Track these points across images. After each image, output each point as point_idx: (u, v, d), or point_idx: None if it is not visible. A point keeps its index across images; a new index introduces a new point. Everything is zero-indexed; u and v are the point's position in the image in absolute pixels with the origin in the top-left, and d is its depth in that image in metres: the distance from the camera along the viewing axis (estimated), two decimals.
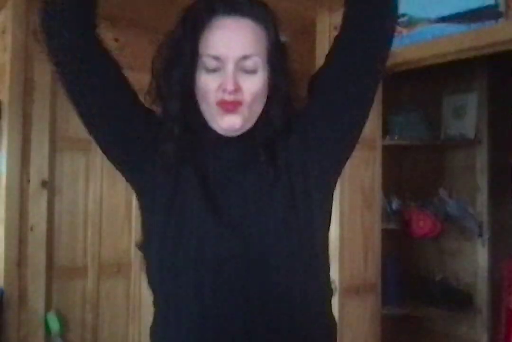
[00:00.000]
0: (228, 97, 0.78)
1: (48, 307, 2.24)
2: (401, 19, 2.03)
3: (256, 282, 0.79)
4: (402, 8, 2.01)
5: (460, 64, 2.13)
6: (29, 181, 2.17)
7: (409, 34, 2.00)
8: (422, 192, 2.86)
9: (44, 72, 2.24)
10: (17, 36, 2.14)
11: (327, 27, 2.34)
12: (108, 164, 2.79)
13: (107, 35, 2.82)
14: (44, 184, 2.22)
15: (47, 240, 2.23)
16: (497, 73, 2.63)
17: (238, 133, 0.83)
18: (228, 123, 0.80)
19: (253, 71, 0.81)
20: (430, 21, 1.94)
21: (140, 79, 3.03)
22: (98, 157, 2.48)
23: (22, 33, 2.15)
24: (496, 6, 1.73)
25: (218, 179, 0.84)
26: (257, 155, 0.83)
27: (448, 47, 1.90)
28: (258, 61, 0.81)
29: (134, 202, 2.62)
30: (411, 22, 1.99)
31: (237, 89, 0.78)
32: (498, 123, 2.65)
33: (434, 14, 1.92)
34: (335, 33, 2.54)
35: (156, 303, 0.87)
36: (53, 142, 2.30)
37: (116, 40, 2.50)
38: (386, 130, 2.60)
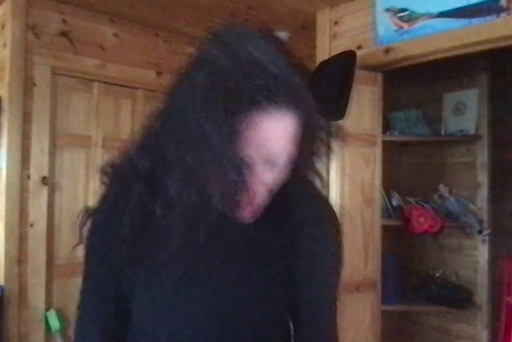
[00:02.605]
0: (260, 196, 0.72)
1: (48, 304, 2.24)
2: (402, 14, 2.02)
3: None
4: (403, 3, 2.02)
5: (461, 60, 2.12)
6: (29, 177, 2.17)
7: (410, 29, 1.99)
8: (422, 188, 2.86)
9: (44, 68, 2.24)
10: (17, 31, 2.13)
11: (327, 22, 2.34)
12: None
13: (107, 31, 2.84)
14: (44, 180, 2.22)
15: (47, 237, 2.23)
16: (498, 69, 2.62)
17: None
18: (246, 218, 0.74)
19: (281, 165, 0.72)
20: (431, 16, 1.93)
21: (139, 74, 3.03)
22: (98, 154, 2.48)
23: (21, 29, 2.15)
24: (497, 0, 1.73)
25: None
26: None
27: (449, 42, 1.89)
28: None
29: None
30: (412, 17, 1.98)
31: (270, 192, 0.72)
32: (498, 119, 2.64)
33: (435, 9, 1.91)
34: (335, 28, 2.53)
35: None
36: (53, 139, 2.29)
37: (116, 35, 2.50)
38: (386, 127, 2.60)
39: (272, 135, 0.67)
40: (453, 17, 1.86)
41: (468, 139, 2.68)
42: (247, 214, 0.73)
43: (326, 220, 0.86)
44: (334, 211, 0.87)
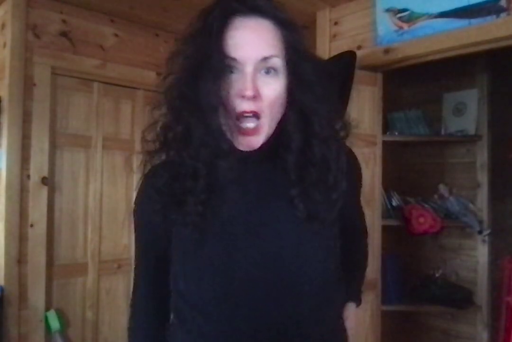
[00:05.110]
0: (248, 107, 0.75)
1: (48, 304, 2.24)
2: (402, 14, 2.02)
3: (288, 308, 0.80)
4: (403, 3, 2.02)
5: (461, 60, 2.12)
6: (29, 178, 2.17)
7: (410, 30, 1.99)
8: (422, 188, 2.86)
9: (44, 68, 2.24)
10: (17, 31, 2.13)
11: (327, 22, 2.34)
12: (108, 161, 2.79)
13: (107, 31, 2.84)
14: (44, 180, 2.22)
15: (47, 237, 2.23)
16: (498, 69, 2.62)
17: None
18: (248, 144, 0.79)
19: (274, 72, 0.77)
20: (430, 16, 1.93)
21: (139, 74, 3.03)
22: (98, 154, 2.48)
23: (21, 29, 2.14)
24: (497, 1, 1.73)
25: (250, 201, 0.83)
26: (287, 181, 0.83)
27: (449, 42, 1.89)
28: (278, 62, 0.78)
29: (134, 199, 2.62)
30: (412, 17, 1.98)
31: (256, 96, 0.75)
32: (498, 119, 2.64)
33: (435, 9, 1.91)
34: (335, 28, 2.54)
35: (180, 311, 0.87)
36: (53, 139, 2.29)
37: (116, 35, 2.49)
38: (386, 127, 2.60)
39: (239, 39, 0.77)
40: (453, 17, 1.86)
41: (468, 140, 2.68)
42: (245, 144, 0.79)
43: (355, 167, 0.97)
44: (356, 158, 0.97)
